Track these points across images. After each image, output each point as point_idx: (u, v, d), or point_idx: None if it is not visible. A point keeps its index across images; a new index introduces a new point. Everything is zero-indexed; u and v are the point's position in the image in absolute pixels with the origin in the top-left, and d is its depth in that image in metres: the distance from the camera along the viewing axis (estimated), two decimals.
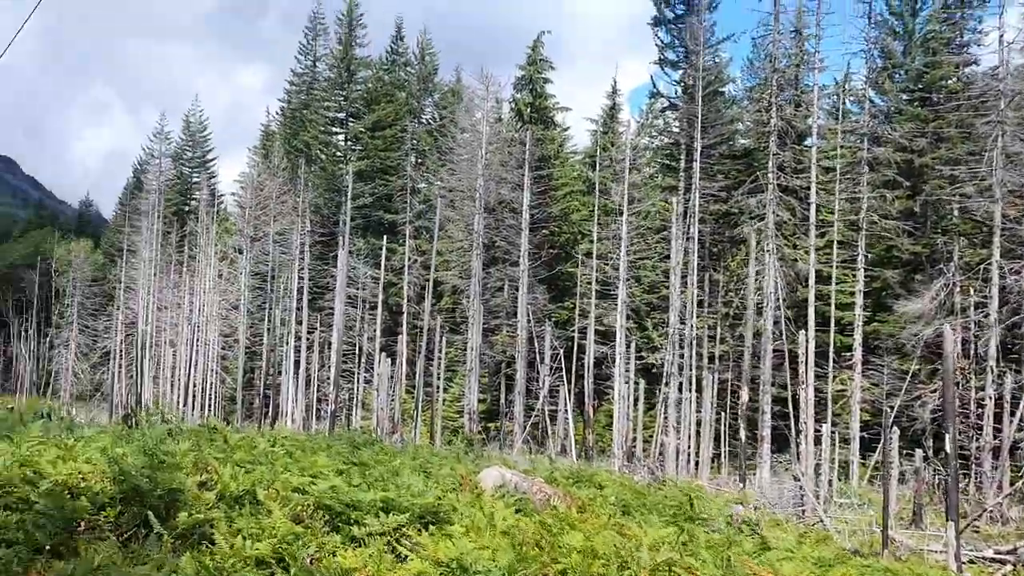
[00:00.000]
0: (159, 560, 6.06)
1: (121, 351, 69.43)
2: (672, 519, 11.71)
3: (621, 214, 37.74)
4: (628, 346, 36.90)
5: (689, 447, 32.75)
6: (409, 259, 54.49)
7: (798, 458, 25.12)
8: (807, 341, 26.14)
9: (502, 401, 47.59)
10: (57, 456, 7.84)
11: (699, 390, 33.79)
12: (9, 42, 10.60)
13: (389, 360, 46.05)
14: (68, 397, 73.30)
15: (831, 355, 33.23)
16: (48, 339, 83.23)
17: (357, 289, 50.62)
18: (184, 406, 51.44)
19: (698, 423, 35.36)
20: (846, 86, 40.60)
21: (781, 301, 27.31)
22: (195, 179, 76.43)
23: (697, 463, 34.33)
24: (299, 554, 7.07)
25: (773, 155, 32.68)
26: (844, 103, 39.87)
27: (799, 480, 23.40)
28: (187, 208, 73.68)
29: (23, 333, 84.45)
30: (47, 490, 6.83)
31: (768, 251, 33.29)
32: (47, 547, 6.24)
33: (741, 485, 22.47)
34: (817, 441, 27.68)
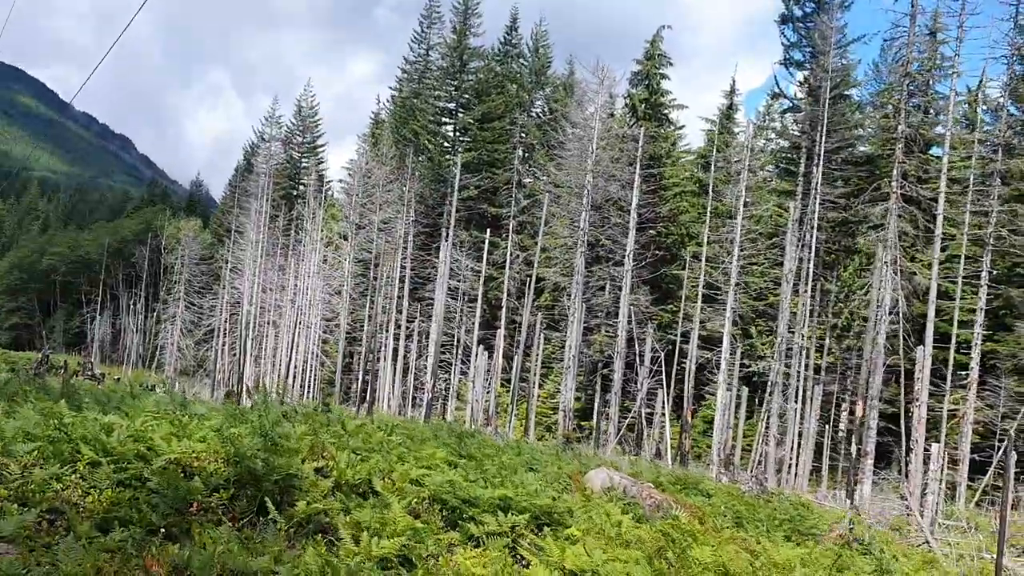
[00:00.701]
0: (276, 551, 5.70)
1: (225, 329, 71.39)
2: (786, 534, 11.01)
3: (733, 217, 36.48)
4: (733, 353, 35.65)
5: (791, 458, 31.37)
6: (511, 254, 54.21)
7: (907, 476, 23.62)
8: (924, 357, 24.56)
9: (596, 401, 46.86)
10: (171, 432, 7.59)
11: (802, 401, 32.36)
12: (126, 25, 10.48)
13: (486, 353, 45.88)
14: (172, 371, 75.80)
15: (948, 373, 31.42)
16: (155, 314, 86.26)
17: (458, 281, 50.57)
18: (285, 387, 52.33)
19: (799, 434, 33.94)
20: (980, 94, 38.37)
21: (901, 315, 25.76)
22: (304, 164, 77.93)
23: (796, 474, 32.94)
24: (422, 552, 6.61)
25: (898, 163, 30.98)
26: (978, 111, 37.72)
27: (906, 499, 22.03)
28: (295, 192, 75.20)
29: (131, 307, 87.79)
30: (160, 468, 6.60)
31: (886, 263, 31.61)
32: (161, 528, 6.02)
33: (848, 501, 21.19)
34: (926, 460, 26.13)
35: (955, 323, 31.75)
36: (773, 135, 45.48)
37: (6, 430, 6.93)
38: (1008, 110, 34.47)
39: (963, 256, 31.98)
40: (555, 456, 16.44)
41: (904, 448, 25.11)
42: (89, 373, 60.46)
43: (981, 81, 39.03)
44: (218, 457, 7.08)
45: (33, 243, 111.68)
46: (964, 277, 32.34)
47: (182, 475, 6.67)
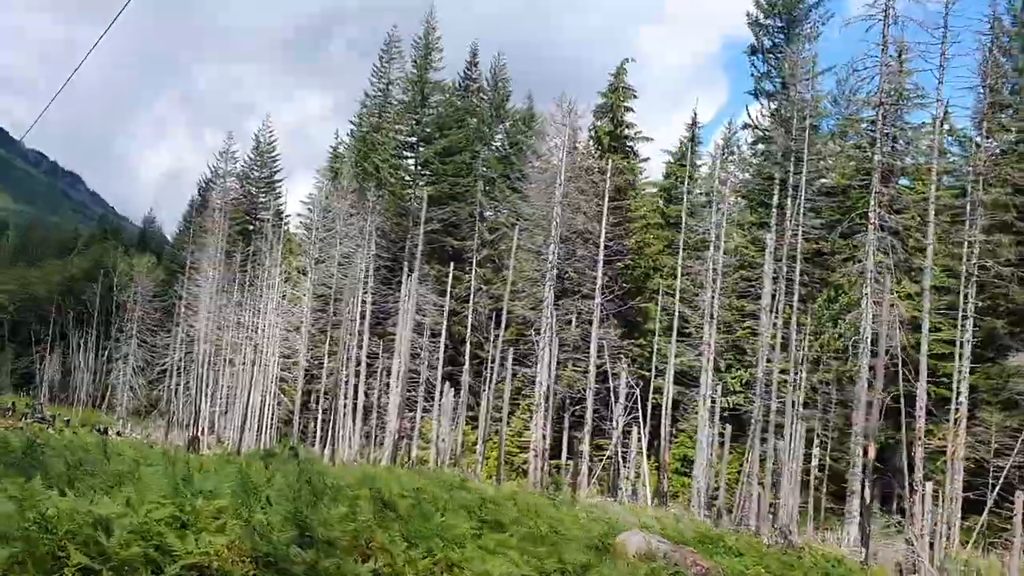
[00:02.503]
0: None
1: (180, 368, 69.17)
2: None
3: (705, 249, 35.96)
4: (711, 389, 34.91)
5: (778, 498, 30.52)
6: (475, 288, 53.21)
7: (911, 519, 22.87)
8: (923, 392, 23.97)
9: (565, 438, 45.77)
10: (177, 518, 6.13)
11: (786, 439, 31.65)
12: (79, 63, 9.55)
13: (452, 390, 44.63)
14: (124, 412, 73.23)
15: (921, 407, 30.90)
16: (107, 352, 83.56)
17: (421, 316, 49.36)
18: (243, 430, 50.43)
19: (783, 474, 33.16)
20: (944, 124, 38.53)
21: (896, 347, 25.20)
22: (262, 199, 76.39)
23: (780, 516, 32.08)
24: None
25: (875, 193, 30.66)
26: (942, 142, 37.85)
27: (913, 544, 21.27)
28: (252, 228, 73.57)
29: (82, 345, 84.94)
30: None
31: (865, 295, 31.23)
32: None
33: (864, 550, 20.34)
34: (923, 500, 25.41)
35: (923, 355, 31.26)
36: (732, 167, 45.25)
37: None
38: (975, 141, 34.60)
39: (929, 287, 31.67)
40: (553, 506, 15.42)
41: (907, 487, 24.38)
42: (39, 415, 58.01)
43: (945, 112, 39.26)
44: (244, 555, 5.63)
45: None
46: (944, 309, 32.13)
47: None
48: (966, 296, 30.06)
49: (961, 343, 29.89)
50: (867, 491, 22.00)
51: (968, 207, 30.52)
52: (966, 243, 30.29)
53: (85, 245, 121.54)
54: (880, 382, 22.71)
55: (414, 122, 58.71)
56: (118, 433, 53.56)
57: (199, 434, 43.84)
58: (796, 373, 32.77)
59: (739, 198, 40.50)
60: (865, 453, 26.67)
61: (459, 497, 11.40)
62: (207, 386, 60.19)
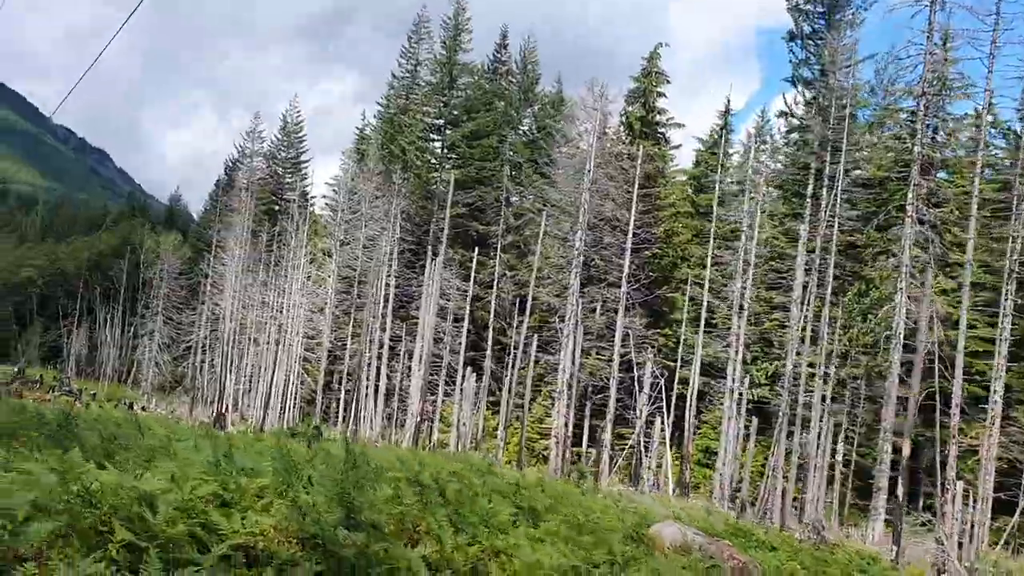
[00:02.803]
0: None
1: (205, 345, 69.53)
2: None
3: (736, 239, 35.34)
4: (739, 381, 34.38)
5: (805, 491, 30.01)
6: (499, 273, 52.87)
7: (942, 518, 22.34)
8: (958, 390, 23.34)
9: (586, 426, 45.43)
10: (219, 496, 5.84)
11: (814, 432, 31.08)
12: (108, 42, 9.29)
13: (474, 375, 44.39)
14: (149, 387, 73.79)
15: (956, 404, 30.22)
16: (133, 329, 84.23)
17: (445, 301, 49.12)
18: (266, 408, 50.54)
19: (811, 467, 32.63)
20: (987, 116, 37.64)
21: (933, 343, 24.52)
22: (288, 179, 76.43)
23: (805, 510, 31.58)
24: None
25: (914, 185, 29.87)
26: (984, 133, 36.98)
27: (943, 543, 20.76)
28: (278, 208, 73.65)
29: (109, 321, 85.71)
30: (220, 556, 4.93)
31: (900, 289, 30.52)
32: None
33: (894, 548, 19.84)
34: (955, 500, 24.85)
35: (960, 352, 30.55)
36: (764, 156, 44.36)
37: (15, 502, 5.11)
38: (1018, 133, 33.69)
39: (969, 284, 30.93)
40: (579, 493, 15.07)
41: (939, 486, 23.80)
42: (67, 389, 58.51)
43: (989, 103, 38.29)
44: (291, 536, 5.41)
45: (10, 256, 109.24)
46: (982, 306, 31.40)
47: (247, 565, 5.06)
48: (1006, 293, 29.23)
49: (999, 341, 29.09)
50: (900, 489, 21.44)
51: (1014, 201, 29.61)
52: (1010, 239, 29.41)
53: (113, 222, 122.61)
54: (917, 378, 22.13)
55: (441, 104, 58.28)
56: (143, 408, 53.88)
57: (224, 411, 43.89)
58: (825, 367, 32.15)
59: (772, 188, 39.76)
60: (897, 450, 26.06)
61: (491, 483, 11.09)
62: (231, 364, 60.37)
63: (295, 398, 56.39)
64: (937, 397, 22.46)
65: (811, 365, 33.79)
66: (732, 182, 44.21)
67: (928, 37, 29.11)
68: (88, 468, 5.95)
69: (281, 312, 57.58)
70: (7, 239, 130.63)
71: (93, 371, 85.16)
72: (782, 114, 40.69)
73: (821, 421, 30.38)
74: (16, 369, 62.50)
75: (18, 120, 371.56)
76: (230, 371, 60.47)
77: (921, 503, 35.61)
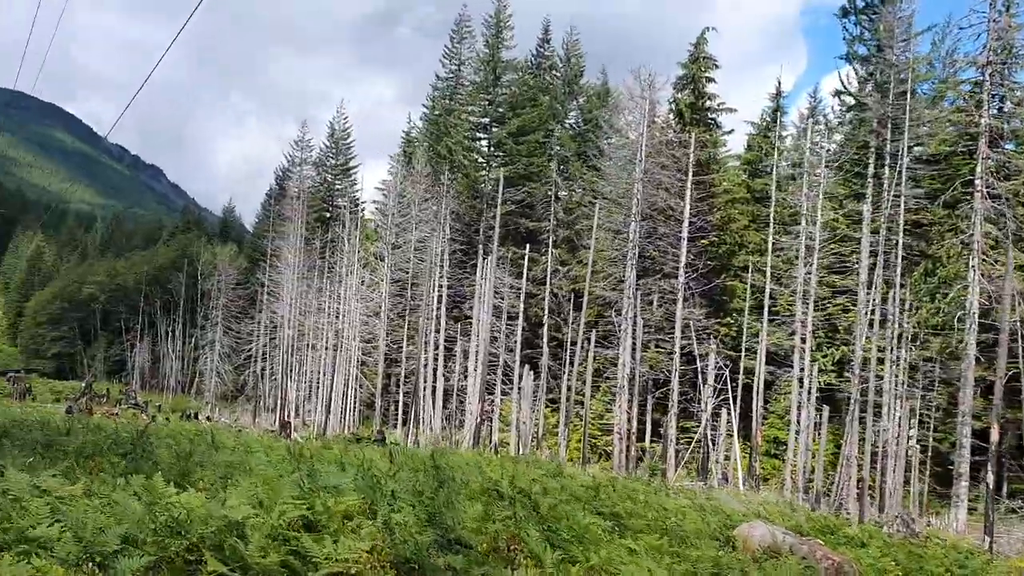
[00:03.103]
0: None
1: (264, 353, 70.31)
2: None
3: (795, 224, 34.41)
4: (806, 369, 33.46)
5: (882, 480, 29.04)
6: (551, 268, 52.45)
7: None
8: None
9: (648, 420, 44.76)
10: (306, 516, 5.56)
11: (887, 418, 30.11)
12: (157, 61, 9.11)
13: (532, 373, 44.02)
14: (212, 397, 74.92)
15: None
16: (193, 340, 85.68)
17: (498, 299, 48.84)
18: (327, 413, 50.88)
19: (885, 455, 31.65)
20: None
21: (1015, 321, 23.48)
22: (338, 186, 76.92)
23: (879, 497, 30.59)
24: None
25: (983, 159, 28.72)
26: None
27: None
28: (329, 214, 74.19)
29: (170, 333, 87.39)
30: None
31: (972, 267, 29.39)
32: None
33: (987, 539, 18.97)
34: None
35: None
36: (818, 137, 43.09)
37: (105, 531, 4.94)
38: None
39: None
40: (651, 492, 14.63)
41: None
42: (132, 402, 59.76)
43: None
44: (384, 560, 5.12)
45: (73, 273, 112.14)
46: None
47: None
48: None
49: None
50: (989, 476, 20.50)
51: None
52: None
53: (170, 236, 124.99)
54: (1003, 359, 21.17)
55: (486, 102, 57.99)
56: (207, 418, 54.71)
57: (287, 419, 44.19)
58: (895, 350, 31.12)
59: (830, 169, 38.65)
60: (977, 435, 25.02)
61: (567, 486, 10.71)
62: (291, 370, 60.91)
63: (354, 402, 56.66)
64: (1023, 379, 21.48)
65: (879, 349, 32.79)
66: (788, 165, 43.10)
67: (991, 4, 27.95)
68: (172, 494, 5.75)
69: (337, 317, 57.90)
70: (69, 257, 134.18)
71: (157, 383, 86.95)
72: (837, 93, 39.55)
73: (892, 407, 29.40)
74: (84, 384, 63.90)
75: (74, 141, 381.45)
76: (290, 378, 60.96)
77: (1005, 490, 34.33)
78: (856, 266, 33.34)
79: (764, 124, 48.03)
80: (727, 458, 35.05)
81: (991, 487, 20.66)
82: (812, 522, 12.66)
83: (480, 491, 7.84)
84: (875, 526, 16.20)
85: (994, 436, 20.67)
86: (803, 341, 34.18)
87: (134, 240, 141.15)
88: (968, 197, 30.66)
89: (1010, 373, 23.90)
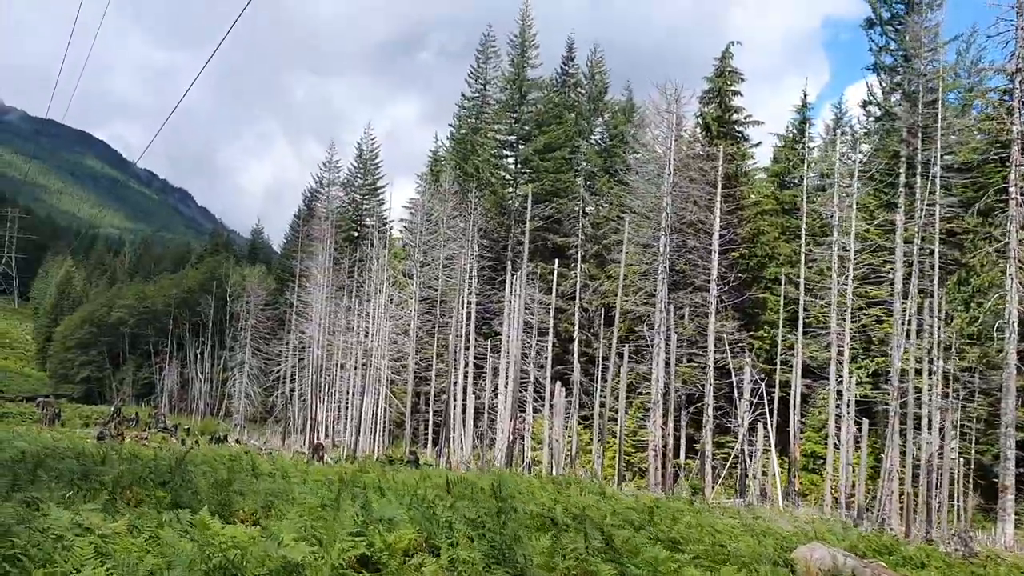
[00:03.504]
0: None
1: (294, 374, 70.58)
2: None
3: (826, 235, 34.15)
4: (845, 382, 33.10)
5: (928, 496, 28.61)
6: (580, 284, 52.39)
7: None
8: None
9: (683, 436, 44.39)
10: (373, 559, 5.45)
11: (928, 431, 29.70)
12: (187, 88, 9.29)
13: (564, 390, 43.86)
14: (241, 419, 75.20)
15: None
16: (222, 362, 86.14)
17: (528, 315, 48.80)
18: (357, 434, 50.96)
19: (928, 470, 31.18)
20: None
21: None
22: (366, 206, 77.35)
23: (928, 513, 30.12)
24: None
25: (1016, 165, 28.42)
26: None
27: None
28: (357, 234, 74.54)
29: (199, 356, 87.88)
30: None
31: (1010, 275, 28.99)
32: None
33: None
34: None
35: None
36: (845, 148, 42.81)
37: (156, 573, 4.82)
38: None
39: None
40: (694, 512, 14.43)
41: None
42: (162, 425, 60.14)
43: None
44: None
45: (102, 297, 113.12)
46: None
47: None
48: None
49: None
50: None
51: None
52: None
53: (198, 258, 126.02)
54: (1013, 368, 20.74)
55: (512, 120, 58.24)
56: (237, 440, 54.90)
57: (320, 442, 44.23)
58: (933, 361, 30.73)
59: (860, 179, 38.41)
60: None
61: (619, 510, 10.60)
62: (320, 391, 61.12)
63: (384, 422, 56.71)
64: None
65: (917, 360, 32.40)
66: (816, 176, 42.90)
67: (1018, 12, 27.75)
68: (220, 530, 5.63)
69: (366, 336, 58.12)
70: (98, 282, 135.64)
71: (185, 406, 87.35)
72: (865, 103, 39.34)
73: (933, 419, 29.01)
74: (113, 408, 64.32)
75: (104, 167, 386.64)
76: (319, 398, 61.21)
77: None
78: (890, 275, 33.01)
79: (791, 136, 47.87)
80: (764, 474, 34.68)
81: None
82: (866, 541, 12.41)
83: (534, 517, 7.73)
84: (929, 544, 15.93)
85: None
86: (839, 353, 33.83)
87: (163, 263, 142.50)
88: (1002, 204, 30.33)
89: None
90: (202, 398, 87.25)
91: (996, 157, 32.56)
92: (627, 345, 40.34)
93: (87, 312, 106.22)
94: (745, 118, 44.79)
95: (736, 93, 44.63)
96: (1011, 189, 29.16)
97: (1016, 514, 28.31)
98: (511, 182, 58.80)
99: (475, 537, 5.76)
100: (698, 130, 45.83)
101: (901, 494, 28.17)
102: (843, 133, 45.05)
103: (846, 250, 33.52)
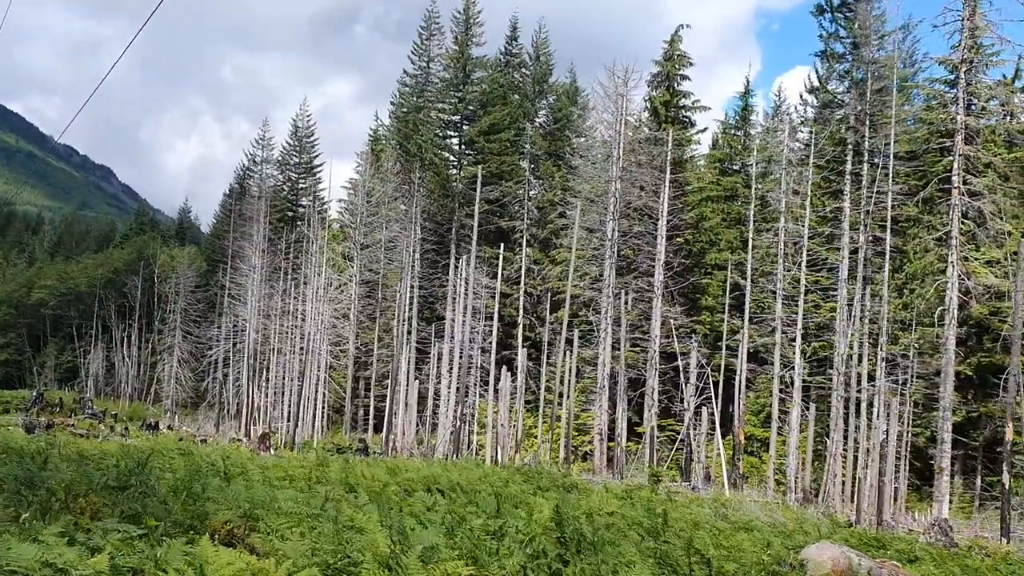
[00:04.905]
0: None
1: (227, 358, 68.77)
2: None
3: (772, 221, 34.47)
4: (789, 367, 33.51)
5: (871, 478, 29.13)
6: (525, 268, 52.10)
7: None
8: (1014, 368, 22.38)
9: (624, 420, 44.55)
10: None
11: (859, 414, 30.23)
12: (114, 63, 8.62)
13: (510, 375, 43.55)
14: (171, 405, 73.06)
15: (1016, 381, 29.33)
16: (151, 345, 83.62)
17: (474, 300, 48.31)
18: (296, 421, 49.82)
19: (867, 452, 31.79)
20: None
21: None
22: (302, 185, 75.62)
23: (868, 497, 30.70)
24: None
25: (959, 155, 29.01)
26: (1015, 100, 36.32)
27: None
28: (293, 214, 72.87)
29: (126, 339, 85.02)
30: None
31: (951, 263, 29.65)
32: None
33: (1005, 540, 18.98)
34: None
35: (1020, 326, 29.57)
36: (786, 135, 43.22)
37: None
38: None
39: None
40: (662, 500, 14.21)
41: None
42: (90, 411, 57.95)
43: (1017, 70, 37.45)
44: None
45: (20, 277, 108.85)
46: None
47: None
48: None
49: None
50: (1006, 476, 20.50)
51: None
52: None
53: (124, 238, 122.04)
54: (1016, 356, 21.22)
55: (457, 100, 57.42)
56: (169, 427, 53.24)
57: (267, 432, 42.92)
58: (878, 347, 31.30)
59: (806, 166, 38.89)
60: (958, 430, 24.95)
61: (628, 514, 10.21)
62: (256, 376, 59.68)
63: (323, 407, 55.66)
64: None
65: (859, 345, 32.97)
66: (758, 162, 43.35)
67: (966, 3, 28.27)
68: (225, 563, 4.93)
69: (304, 320, 56.87)
70: (16, 261, 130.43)
71: (112, 390, 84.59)
72: (813, 90, 39.69)
73: (877, 403, 29.53)
74: (35, 393, 61.76)
75: (19, 140, 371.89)
76: (255, 384, 59.78)
77: (977, 481, 34.78)
78: (835, 264, 33.49)
79: (732, 122, 48.32)
80: (708, 457, 34.99)
81: (1009, 488, 20.63)
82: (858, 537, 12.34)
83: (544, 531, 7.24)
84: (880, 526, 16.08)
85: (1008, 435, 20.61)
86: (791, 340, 34.23)
87: (86, 243, 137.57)
88: (941, 194, 31.03)
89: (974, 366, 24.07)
90: (129, 383, 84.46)
91: (938, 147, 33.20)
92: (575, 330, 40.22)
93: (4, 292, 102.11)
94: (693, 103, 44.90)
95: (684, 77, 44.69)
96: (954, 178, 29.82)
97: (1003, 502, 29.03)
98: (455, 163, 58.05)
99: (534, 568, 5.21)
100: (645, 114, 45.80)
101: (856, 478, 28.62)
102: (781, 121, 45.54)
103: (799, 236, 33.86)
